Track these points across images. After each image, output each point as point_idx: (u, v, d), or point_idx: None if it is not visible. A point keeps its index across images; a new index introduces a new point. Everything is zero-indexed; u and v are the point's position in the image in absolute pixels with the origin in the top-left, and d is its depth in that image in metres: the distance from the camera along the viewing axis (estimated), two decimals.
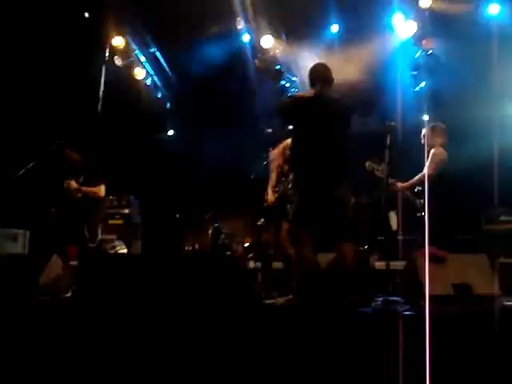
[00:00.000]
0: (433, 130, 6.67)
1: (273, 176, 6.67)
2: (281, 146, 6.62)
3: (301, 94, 5.44)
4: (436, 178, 6.29)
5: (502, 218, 7.51)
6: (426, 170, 6.40)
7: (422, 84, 9.63)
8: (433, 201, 5.88)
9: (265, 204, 6.65)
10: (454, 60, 8.99)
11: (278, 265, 6.77)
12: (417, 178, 6.50)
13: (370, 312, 4.38)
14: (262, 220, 7.20)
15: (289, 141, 6.40)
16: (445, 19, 8.67)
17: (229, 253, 6.57)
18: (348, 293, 4.80)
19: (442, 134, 6.66)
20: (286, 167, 6.47)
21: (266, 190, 6.81)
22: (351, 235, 5.12)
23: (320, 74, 5.27)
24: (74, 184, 6.72)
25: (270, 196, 6.66)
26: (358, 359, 4.00)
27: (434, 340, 3.86)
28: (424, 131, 6.73)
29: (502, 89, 8.42)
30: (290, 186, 6.45)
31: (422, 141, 6.66)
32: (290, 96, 5.41)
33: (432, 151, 6.54)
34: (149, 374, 4.28)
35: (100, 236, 7.04)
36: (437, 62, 9.25)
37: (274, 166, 6.74)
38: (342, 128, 5.16)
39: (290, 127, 5.39)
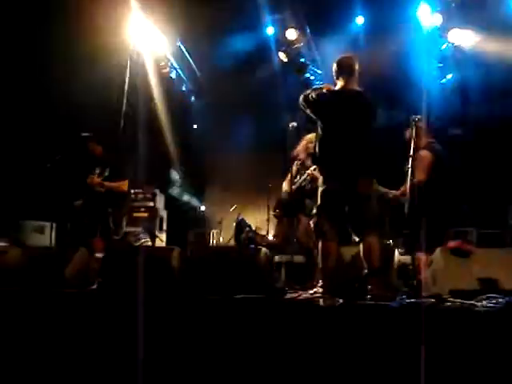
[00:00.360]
0: (419, 128, 6.07)
1: (292, 168, 6.66)
2: (304, 141, 6.61)
3: (326, 86, 5.40)
4: (428, 184, 5.83)
5: None
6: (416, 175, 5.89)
7: (449, 76, 9.55)
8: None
9: (282, 195, 6.65)
10: (481, 52, 8.89)
11: (299, 258, 6.74)
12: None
13: (396, 306, 4.35)
14: (277, 211, 7.17)
15: (311, 135, 6.41)
16: (472, 11, 8.55)
17: (253, 246, 6.56)
18: (373, 286, 4.78)
19: (426, 133, 6.22)
20: (308, 161, 6.45)
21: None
22: (377, 229, 5.10)
23: (345, 68, 5.22)
24: (96, 179, 6.78)
25: (286, 186, 6.67)
26: (382, 353, 3.99)
27: (458, 335, 3.84)
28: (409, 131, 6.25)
29: None
30: (308, 179, 6.45)
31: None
32: (315, 89, 5.36)
33: (421, 153, 6.14)
34: (172, 363, 4.32)
35: (125, 228, 7.10)
36: (463, 54, 9.16)
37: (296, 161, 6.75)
38: (367, 122, 5.13)
39: (314, 121, 5.36)
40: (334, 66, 5.32)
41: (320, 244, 5.14)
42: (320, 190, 5.17)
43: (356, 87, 5.19)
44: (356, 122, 5.05)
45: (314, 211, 5.22)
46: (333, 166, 5.07)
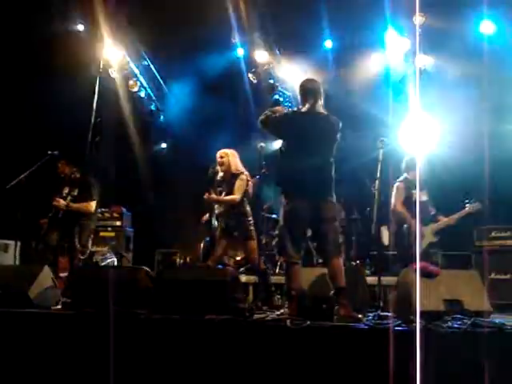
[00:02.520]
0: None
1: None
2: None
3: (280, 109, 5.47)
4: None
5: (493, 234, 7.53)
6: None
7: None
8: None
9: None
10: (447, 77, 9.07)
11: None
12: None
13: (362, 328, 4.37)
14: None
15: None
16: (438, 36, 8.72)
17: (220, 266, 6.53)
18: (341, 307, 4.79)
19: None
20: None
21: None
22: (340, 250, 5.12)
23: (309, 91, 5.27)
24: (62, 203, 6.72)
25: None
26: (349, 375, 3.99)
27: (425, 356, 3.87)
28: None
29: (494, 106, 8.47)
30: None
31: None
32: (274, 110, 5.39)
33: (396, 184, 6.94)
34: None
35: (91, 248, 7.02)
36: (429, 79, 9.32)
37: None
38: (330, 144, 5.17)
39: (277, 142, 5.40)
40: (299, 89, 5.37)
41: (284, 265, 5.15)
42: (282, 210, 5.19)
43: (321, 110, 5.24)
44: (320, 144, 5.09)
45: (276, 232, 5.24)
46: (295, 187, 5.08)
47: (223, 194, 6.55)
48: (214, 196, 6.41)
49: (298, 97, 5.37)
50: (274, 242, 8.51)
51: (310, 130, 5.09)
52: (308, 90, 5.27)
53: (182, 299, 4.85)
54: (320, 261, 5.19)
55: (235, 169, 6.53)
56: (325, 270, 5.11)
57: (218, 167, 6.58)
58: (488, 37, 8.66)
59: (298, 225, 5.08)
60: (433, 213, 7.05)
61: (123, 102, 10.19)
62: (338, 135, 5.23)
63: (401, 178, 7.05)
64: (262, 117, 5.32)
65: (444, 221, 6.95)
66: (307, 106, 5.21)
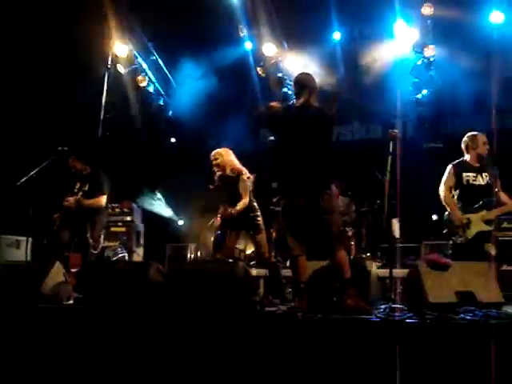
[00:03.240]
0: None
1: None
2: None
3: (276, 104, 5.46)
4: None
5: (504, 225, 7.48)
6: None
7: (424, 91, 9.68)
8: None
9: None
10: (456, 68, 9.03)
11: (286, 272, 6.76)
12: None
13: (374, 320, 4.37)
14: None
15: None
16: (447, 27, 8.68)
17: (231, 260, 6.54)
18: (349, 298, 4.79)
19: None
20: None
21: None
22: (343, 241, 5.10)
23: (303, 85, 5.27)
24: (72, 201, 6.72)
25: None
26: (360, 367, 3.99)
27: (437, 348, 3.87)
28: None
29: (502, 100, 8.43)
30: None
31: None
32: (268, 106, 5.39)
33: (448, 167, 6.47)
34: (153, 378, 4.29)
35: (102, 243, 7.05)
36: (438, 70, 9.29)
37: None
38: (325, 137, 5.17)
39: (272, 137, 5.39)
40: (294, 84, 5.39)
41: (289, 260, 5.15)
42: (280, 205, 5.20)
43: (314, 103, 5.24)
44: (315, 137, 5.07)
45: (277, 227, 5.25)
46: (291, 181, 5.09)
47: (227, 196, 6.53)
48: (230, 211, 6.33)
49: (293, 90, 5.39)
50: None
51: (304, 124, 5.09)
52: (301, 84, 5.29)
53: (193, 293, 4.86)
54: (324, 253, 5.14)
55: (231, 169, 6.46)
56: (329, 264, 5.12)
57: (214, 168, 6.52)
58: (497, 26, 8.60)
59: (295, 219, 5.09)
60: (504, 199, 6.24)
61: (132, 98, 10.20)
62: (333, 127, 5.23)
63: (456, 161, 6.39)
64: (256, 112, 5.32)
65: (498, 209, 6.10)
66: (301, 100, 5.23)
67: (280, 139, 5.26)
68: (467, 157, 6.36)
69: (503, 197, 6.19)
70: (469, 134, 6.43)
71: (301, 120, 5.12)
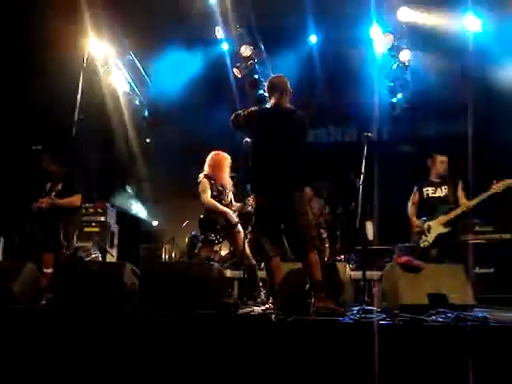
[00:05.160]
0: None
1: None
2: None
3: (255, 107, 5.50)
4: None
5: (477, 228, 7.60)
6: None
7: (399, 95, 9.76)
8: None
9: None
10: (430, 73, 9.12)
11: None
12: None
13: (347, 322, 4.39)
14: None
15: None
16: (422, 32, 8.77)
17: (205, 262, 6.52)
18: (320, 301, 4.79)
19: None
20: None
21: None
22: (315, 243, 5.11)
23: (277, 86, 5.32)
24: (46, 202, 6.64)
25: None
26: (334, 369, 4.01)
27: (409, 349, 3.90)
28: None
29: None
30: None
31: None
32: (245, 109, 5.42)
33: None
34: (124, 380, 4.26)
35: (75, 243, 6.98)
36: (413, 75, 9.38)
37: None
38: (299, 138, 5.19)
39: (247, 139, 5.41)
40: (267, 85, 5.45)
41: (263, 261, 5.16)
42: (254, 208, 5.21)
43: (287, 105, 5.27)
44: (288, 139, 5.10)
45: (250, 229, 5.25)
46: (265, 182, 5.11)
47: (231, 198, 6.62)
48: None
49: (266, 92, 5.45)
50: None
51: (276, 124, 5.13)
52: (273, 86, 5.34)
53: (168, 295, 4.84)
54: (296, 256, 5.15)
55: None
56: (300, 266, 5.12)
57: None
58: (473, 33, 8.70)
59: (269, 221, 5.10)
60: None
61: (107, 97, 10.12)
62: (306, 130, 5.26)
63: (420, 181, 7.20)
64: (232, 116, 5.35)
65: (455, 211, 6.77)
66: (272, 101, 5.27)
67: (253, 141, 5.28)
68: (430, 173, 7.13)
69: (463, 201, 6.88)
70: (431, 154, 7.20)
71: (272, 121, 5.15)
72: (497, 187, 6.54)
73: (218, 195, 6.50)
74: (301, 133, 5.23)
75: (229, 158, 6.67)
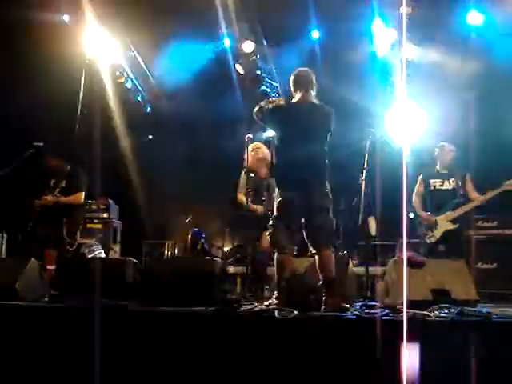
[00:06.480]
0: None
1: (242, 178, 6.67)
2: (251, 150, 6.60)
3: (281, 99, 5.45)
4: None
5: (480, 223, 7.57)
6: None
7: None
8: None
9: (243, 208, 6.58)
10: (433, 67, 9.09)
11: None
12: None
13: (350, 317, 4.39)
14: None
15: (257, 143, 6.65)
16: (425, 27, 8.73)
17: (208, 258, 6.53)
18: (329, 298, 4.80)
19: None
20: (264, 170, 6.53)
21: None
22: (333, 241, 5.12)
23: (302, 81, 5.27)
24: (50, 199, 6.66)
25: (242, 198, 6.65)
26: (337, 365, 4.01)
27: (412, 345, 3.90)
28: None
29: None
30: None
31: None
32: (269, 101, 5.39)
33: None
34: (128, 376, 4.27)
35: (78, 240, 6.99)
36: (416, 69, 9.34)
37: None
38: (323, 134, 5.17)
39: (270, 133, 5.39)
40: (291, 79, 5.36)
41: (276, 256, 5.15)
42: (276, 201, 5.18)
43: (313, 100, 5.23)
44: (312, 134, 5.09)
45: (271, 222, 5.22)
46: (289, 177, 5.08)
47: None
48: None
49: (291, 86, 5.36)
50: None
51: (303, 119, 5.11)
52: (299, 80, 5.29)
53: (170, 291, 4.85)
54: (312, 251, 5.13)
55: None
56: (314, 260, 5.11)
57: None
58: (476, 27, 8.68)
59: (292, 216, 5.07)
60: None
61: (109, 94, 10.11)
62: (332, 124, 5.22)
63: (425, 169, 7.07)
64: (256, 108, 5.32)
65: (461, 207, 6.72)
66: (298, 95, 5.22)
67: (278, 135, 5.24)
68: (437, 164, 6.98)
69: (473, 195, 6.76)
70: (438, 144, 7.06)
71: (298, 115, 5.13)
72: (510, 184, 6.51)
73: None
74: (326, 127, 5.20)
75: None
